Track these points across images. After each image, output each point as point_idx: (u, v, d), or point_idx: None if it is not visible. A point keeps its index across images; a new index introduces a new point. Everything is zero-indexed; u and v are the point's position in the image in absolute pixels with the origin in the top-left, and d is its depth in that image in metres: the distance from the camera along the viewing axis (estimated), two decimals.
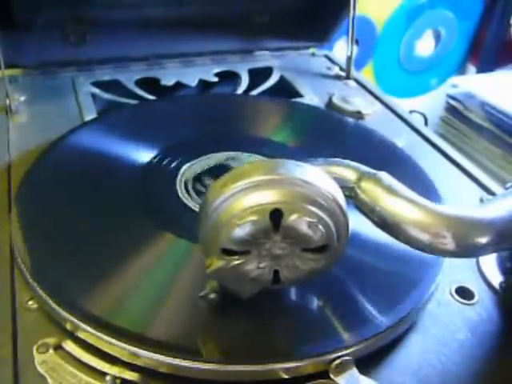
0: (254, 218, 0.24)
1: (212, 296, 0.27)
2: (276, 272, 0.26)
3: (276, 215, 0.24)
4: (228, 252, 0.25)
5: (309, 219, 0.24)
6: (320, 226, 0.24)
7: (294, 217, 0.24)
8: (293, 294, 0.29)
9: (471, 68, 1.10)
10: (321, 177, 0.25)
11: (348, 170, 0.28)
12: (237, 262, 0.25)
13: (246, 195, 0.24)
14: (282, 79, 0.58)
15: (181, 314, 0.28)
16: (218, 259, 0.25)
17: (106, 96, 0.51)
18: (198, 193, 0.37)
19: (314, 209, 0.24)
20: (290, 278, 0.26)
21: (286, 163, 0.25)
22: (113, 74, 0.54)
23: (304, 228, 0.24)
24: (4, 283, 0.30)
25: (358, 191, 0.27)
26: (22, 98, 0.49)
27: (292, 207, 0.24)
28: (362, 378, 0.26)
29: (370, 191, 0.27)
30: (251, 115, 0.48)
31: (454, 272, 0.34)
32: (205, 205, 0.25)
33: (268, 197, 0.24)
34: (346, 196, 0.26)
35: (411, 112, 0.56)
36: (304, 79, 0.58)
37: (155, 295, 0.29)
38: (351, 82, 0.59)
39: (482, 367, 0.29)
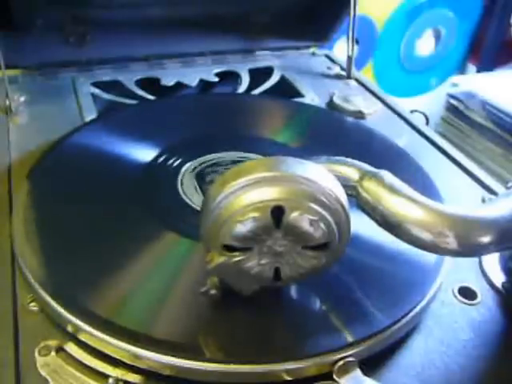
0: (255, 214, 0.24)
1: (213, 292, 0.27)
2: (277, 269, 0.26)
3: (278, 212, 0.24)
4: (229, 248, 0.25)
5: (310, 217, 0.24)
6: (321, 224, 0.24)
7: (295, 214, 0.24)
8: (296, 294, 0.29)
9: (471, 67, 1.10)
10: (323, 175, 0.25)
11: (350, 169, 0.28)
12: (238, 259, 0.25)
13: (247, 192, 0.24)
14: (282, 79, 0.58)
15: (183, 314, 0.28)
16: (219, 255, 0.25)
17: (107, 96, 0.51)
18: (200, 191, 0.36)
19: (315, 206, 0.24)
20: (291, 275, 0.26)
21: (288, 160, 0.25)
22: (113, 75, 0.54)
23: (305, 225, 0.24)
24: (5, 285, 0.30)
25: (360, 190, 0.27)
26: (22, 99, 0.48)
27: (294, 204, 0.24)
28: (366, 379, 0.26)
29: (372, 190, 0.27)
30: (252, 115, 0.48)
31: (456, 272, 0.34)
32: (207, 201, 0.25)
33: (270, 194, 0.24)
34: (348, 195, 0.26)
35: (413, 112, 0.56)
36: (305, 79, 0.58)
37: (157, 296, 0.29)
38: (352, 82, 0.58)
39: (486, 367, 0.29)
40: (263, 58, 0.62)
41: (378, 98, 0.55)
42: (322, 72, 0.61)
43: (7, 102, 0.46)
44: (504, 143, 0.74)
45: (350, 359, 0.26)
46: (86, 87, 0.52)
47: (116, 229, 0.33)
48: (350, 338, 0.27)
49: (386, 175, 0.27)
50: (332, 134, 0.46)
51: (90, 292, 0.28)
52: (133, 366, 0.26)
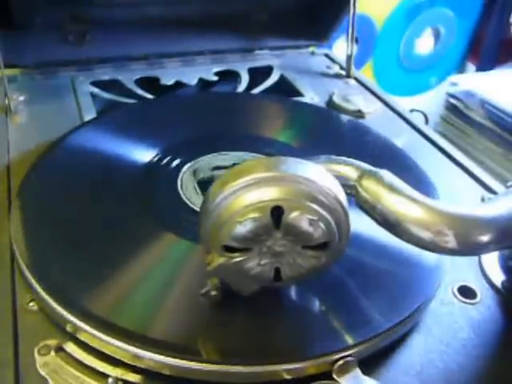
0: (255, 215, 0.24)
1: (213, 293, 0.27)
2: (277, 269, 0.26)
3: (277, 212, 0.24)
4: (229, 249, 0.25)
5: (310, 216, 0.24)
6: (321, 224, 0.24)
7: (294, 214, 0.24)
8: (296, 294, 0.29)
9: (471, 66, 1.10)
10: (322, 174, 0.25)
11: (349, 168, 0.28)
12: (238, 259, 0.25)
13: (247, 192, 0.24)
14: (281, 78, 0.58)
15: (182, 314, 0.28)
16: (218, 256, 0.25)
17: (106, 95, 0.51)
18: (200, 192, 0.36)
19: (315, 206, 0.24)
20: (291, 275, 0.26)
21: (287, 160, 0.25)
22: (112, 74, 0.54)
23: (305, 225, 0.24)
24: (5, 284, 0.30)
25: (360, 189, 0.27)
26: (22, 98, 0.48)
27: (293, 204, 0.24)
28: (365, 378, 0.26)
29: (372, 189, 0.27)
30: (252, 114, 0.48)
31: (456, 271, 0.34)
32: (206, 202, 0.25)
33: (269, 194, 0.24)
34: (347, 194, 0.26)
35: (412, 111, 0.56)
36: (304, 78, 0.58)
37: (157, 296, 0.29)
38: (351, 81, 0.58)
39: (485, 366, 0.29)
40: (262, 57, 0.62)
41: (378, 97, 0.55)
42: (321, 71, 0.61)
43: (6, 102, 0.46)
44: (504, 142, 0.74)
45: (350, 358, 0.26)
46: (85, 86, 0.52)
47: (115, 229, 0.33)
48: (349, 338, 0.27)
49: (386, 174, 0.27)
50: (331, 133, 0.46)
51: (90, 291, 0.28)
52: (132, 365, 0.26)
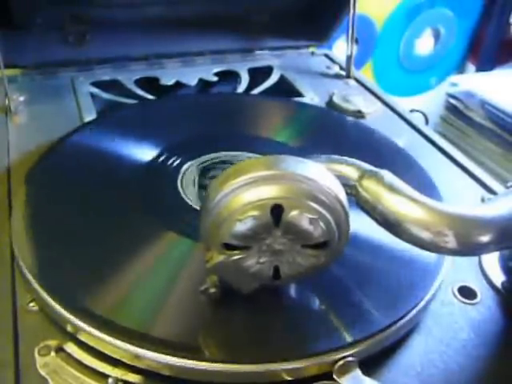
0: (254, 213, 0.24)
1: (212, 290, 0.27)
2: (276, 268, 0.26)
3: (277, 211, 0.24)
4: (229, 247, 0.25)
5: (309, 215, 0.24)
6: (321, 223, 0.24)
7: (294, 213, 0.24)
8: (296, 294, 0.29)
9: (471, 67, 1.10)
10: (323, 173, 0.25)
11: (350, 168, 0.28)
12: (237, 257, 0.25)
13: (247, 190, 0.24)
14: (281, 78, 0.58)
15: (182, 314, 0.28)
16: (218, 254, 0.25)
17: (106, 96, 0.51)
18: (200, 191, 0.36)
19: (315, 205, 0.24)
20: (290, 274, 0.26)
21: (287, 159, 0.25)
22: (112, 74, 0.54)
23: (305, 224, 0.24)
24: (5, 285, 0.30)
25: (360, 189, 0.27)
26: (22, 98, 0.48)
27: (293, 203, 0.24)
28: (366, 378, 0.26)
29: (372, 189, 0.27)
30: (252, 114, 0.48)
31: (456, 272, 0.34)
32: (206, 200, 0.25)
33: (269, 192, 0.24)
34: (347, 194, 0.26)
35: (412, 111, 0.56)
36: (304, 78, 0.58)
37: (157, 295, 0.29)
38: (351, 81, 0.58)
39: (485, 367, 0.29)
40: (262, 58, 0.62)
41: (378, 97, 0.55)
42: (321, 71, 0.61)
43: (6, 102, 0.46)
44: (503, 143, 0.74)
45: (350, 359, 0.26)
46: (85, 87, 0.52)
47: (115, 229, 0.33)
48: (349, 338, 0.27)
49: (386, 174, 0.27)
50: (331, 133, 0.46)
51: (90, 291, 0.28)
52: (133, 365, 0.26)
